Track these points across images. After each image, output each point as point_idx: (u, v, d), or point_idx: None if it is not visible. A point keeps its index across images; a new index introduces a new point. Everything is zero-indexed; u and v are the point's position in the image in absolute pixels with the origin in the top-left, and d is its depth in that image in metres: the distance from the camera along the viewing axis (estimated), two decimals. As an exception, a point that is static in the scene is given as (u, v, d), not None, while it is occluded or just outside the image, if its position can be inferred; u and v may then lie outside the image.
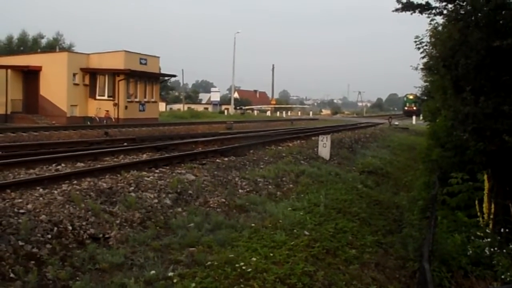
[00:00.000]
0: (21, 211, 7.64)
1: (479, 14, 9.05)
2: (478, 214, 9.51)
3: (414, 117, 61.61)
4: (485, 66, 9.13)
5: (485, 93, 8.97)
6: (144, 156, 15.16)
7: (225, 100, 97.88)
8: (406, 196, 13.85)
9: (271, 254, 7.40)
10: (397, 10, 10.66)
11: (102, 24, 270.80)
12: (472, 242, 8.64)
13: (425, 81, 29.29)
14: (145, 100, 42.30)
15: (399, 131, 39.55)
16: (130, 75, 39.61)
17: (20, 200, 8.24)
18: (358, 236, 9.28)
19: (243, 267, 6.74)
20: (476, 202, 9.64)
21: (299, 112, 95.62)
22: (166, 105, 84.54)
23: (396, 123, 48.44)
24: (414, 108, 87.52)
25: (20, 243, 6.67)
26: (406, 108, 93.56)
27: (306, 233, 8.66)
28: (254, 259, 7.11)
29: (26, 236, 6.83)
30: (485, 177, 9.70)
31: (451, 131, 11.76)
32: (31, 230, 7.03)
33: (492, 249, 8.26)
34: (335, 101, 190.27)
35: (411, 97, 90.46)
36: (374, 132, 32.94)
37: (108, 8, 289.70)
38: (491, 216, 9.34)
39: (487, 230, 9.08)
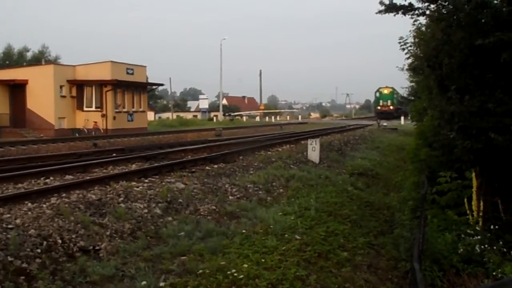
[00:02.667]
0: (10, 226, 7.58)
1: (461, 14, 9.13)
2: (468, 212, 9.57)
3: (402, 118, 57.84)
4: (468, 65, 9.21)
5: (470, 92, 9.03)
6: (133, 166, 15.11)
7: (213, 107, 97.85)
8: (397, 197, 13.88)
9: (263, 260, 7.39)
10: (380, 12, 10.73)
11: (88, 36, 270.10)
12: (462, 240, 8.69)
13: (411, 82, 29.58)
14: (133, 110, 42.20)
15: (388, 132, 39.70)
16: (117, 86, 39.50)
17: (8, 215, 8.17)
18: (350, 238, 9.29)
19: (235, 274, 6.72)
20: (465, 200, 9.69)
21: (288, 117, 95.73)
22: (155, 114, 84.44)
23: (385, 124, 48.65)
24: (391, 107, 72.04)
25: (9, 258, 6.61)
26: (379, 107, 73.45)
27: (298, 237, 8.66)
28: (245, 265, 7.09)
29: (15, 251, 6.78)
30: (473, 175, 9.77)
31: (438, 130, 11.84)
32: (20, 245, 6.97)
33: (482, 247, 8.31)
34: (323, 104, 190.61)
35: (386, 91, 72.63)
36: (363, 134, 33.06)
37: (93, 19, 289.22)
38: (481, 214, 9.40)
39: (477, 228, 9.14)
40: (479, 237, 8.67)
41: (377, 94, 74.81)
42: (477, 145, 9.04)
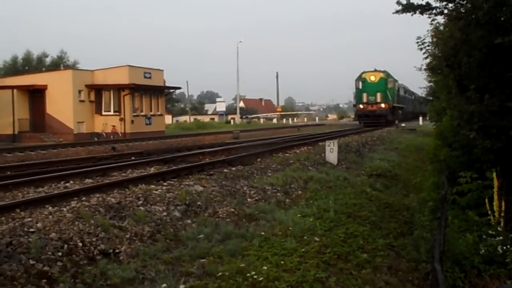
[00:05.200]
0: (31, 230, 7.66)
1: (480, 12, 9.04)
2: (489, 212, 9.43)
3: (420, 118, 54.89)
4: (488, 64, 9.12)
5: (490, 91, 8.95)
6: (152, 170, 15.18)
7: (231, 110, 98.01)
8: (416, 198, 13.76)
9: (282, 262, 7.37)
10: (397, 12, 10.69)
11: (106, 41, 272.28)
12: (484, 241, 8.57)
13: (429, 81, 29.36)
14: (151, 113, 42.44)
15: (406, 132, 39.42)
16: (135, 89, 39.77)
17: (29, 219, 8.26)
18: (369, 240, 9.23)
19: (255, 276, 6.71)
20: (486, 200, 9.57)
21: (305, 118, 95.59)
22: (173, 117, 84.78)
23: (403, 124, 48.31)
24: (383, 105, 45.67)
25: (31, 262, 6.68)
26: (361, 105, 46.84)
27: (317, 239, 8.63)
28: (265, 267, 7.08)
29: (36, 255, 6.84)
30: (494, 175, 9.64)
31: (458, 130, 11.72)
32: (42, 249, 7.04)
33: (504, 247, 8.19)
34: (341, 105, 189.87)
35: (373, 78, 46.80)
36: (381, 135, 32.86)
37: (111, 25, 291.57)
38: (502, 214, 9.27)
39: (499, 228, 9.00)
40: (501, 237, 8.55)
41: (359, 84, 47.29)
42: (498, 144, 8.94)
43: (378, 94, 45.56)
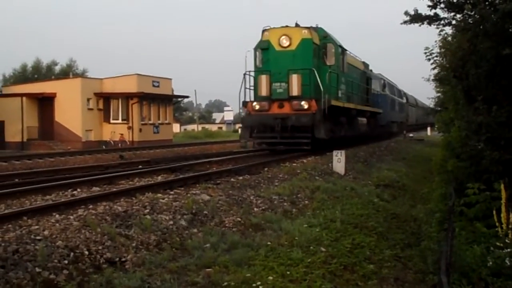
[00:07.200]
0: (38, 237, 7.68)
1: (488, 23, 9.04)
2: (497, 224, 9.38)
3: (429, 128, 53.85)
4: (496, 75, 9.12)
5: (498, 102, 8.94)
6: (159, 178, 15.19)
7: (239, 119, 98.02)
8: (423, 209, 13.71)
9: (288, 272, 7.35)
10: (405, 22, 10.72)
11: (114, 49, 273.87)
12: (492, 253, 8.51)
13: (437, 92, 29.32)
14: (159, 122, 42.64)
15: (414, 142, 39.33)
16: (143, 98, 40.00)
17: (36, 227, 8.28)
18: (376, 250, 9.19)
19: (260, 287, 6.70)
20: (494, 212, 9.51)
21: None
22: (180, 126, 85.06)
23: (411, 135, 48.19)
24: (307, 105, 20.21)
25: (37, 269, 6.70)
26: (256, 105, 21.08)
27: (323, 249, 8.60)
28: (271, 277, 7.07)
29: (43, 263, 6.86)
30: (502, 186, 9.60)
31: (466, 141, 11.68)
32: (48, 256, 7.05)
33: (512, 259, 8.14)
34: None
35: (286, 41, 20.78)
36: (389, 145, 32.78)
37: (120, 34, 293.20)
38: (510, 226, 9.21)
39: (507, 240, 8.94)
40: (509, 249, 8.48)
41: (257, 56, 22.02)
42: (506, 156, 8.91)
43: (294, 78, 20.52)
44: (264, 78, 21.09)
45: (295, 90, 20.64)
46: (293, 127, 20.44)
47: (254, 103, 21.47)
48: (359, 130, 27.67)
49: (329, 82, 21.50)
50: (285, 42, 21.00)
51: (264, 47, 21.56)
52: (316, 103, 20.57)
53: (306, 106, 20.50)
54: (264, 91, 21.11)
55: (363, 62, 30.96)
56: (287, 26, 21.46)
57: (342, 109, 23.36)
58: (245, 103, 21.95)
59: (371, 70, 34.06)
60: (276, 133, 20.78)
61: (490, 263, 8.17)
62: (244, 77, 22.04)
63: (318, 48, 22.05)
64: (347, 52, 25.55)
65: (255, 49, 22.32)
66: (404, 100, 48.49)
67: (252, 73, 22.47)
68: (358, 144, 27.25)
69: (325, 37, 22.66)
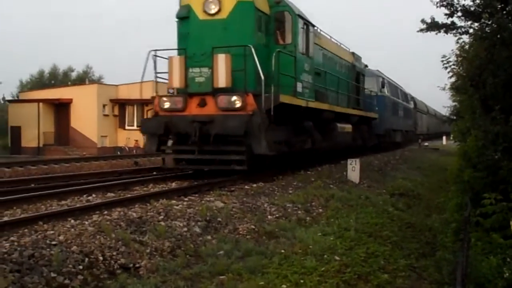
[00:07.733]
0: (53, 242, 7.72)
1: (505, 32, 8.99)
2: (514, 235, 9.30)
3: (444, 137, 51.62)
4: (513, 84, 9.04)
5: (515, 112, 8.86)
6: (173, 185, 15.22)
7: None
8: (439, 218, 13.60)
9: (302, 281, 7.32)
10: (421, 30, 10.69)
11: (130, 56, 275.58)
12: (508, 264, 8.43)
13: (453, 101, 29.11)
14: (174, 128, 42.72)
15: (430, 151, 39.09)
16: (158, 105, 40.11)
17: (52, 232, 8.33)
18: (390, 260, 9.12)
19: (274, 295, 6.67)
20: (511, 222, 9.42)
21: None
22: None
23: (426, 144, 47.89)
24: (240, 102, 13.53)
25: (52, 274, 6.73)
26: (165, 102, 15.17)
27: (337, 258, 8.55)
28: (284, 286, 7.04)
29: (58, 268, 6.89)
30: (519, 197, 9.51)
31: (482, 151, 11.59)
32: (63, 262, 7.09)
33: (529, 271, 8.05)
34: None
35: (214, 6, 14.00)
36: (403, 154, 32.60)
37: (135, 40, 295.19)
38: (527, 237, 9.13)
39: (523, 252, 8.86)
40: (525, 261, 8.41)
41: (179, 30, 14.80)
42: (523, 166, 8.83)
43: (221, 61, 13.75)
44: (176, 62, 14.51)
45: (221, 80, 13.81)
46: (218, 136, 13.80)
47: (163, 99, 15.33)
48: (338, 140, 21.18)
49: (278, 69, 14.55)
50: (212, 7, 14.19)
51: (182, 16, 14.98)
52: (255, 99, 13.85)
53: (238, 104, 13.79)
54: (176, 81, 14.80)
55: (353, 53, 24.73)
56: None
57: (307, 110, 16.97)
58: (154, 98, 15.62)
59: (366, 66, 28.03)
60: (193, 145, 14.38)
61: (507, 274, 8.09)
62: (148, 58, 15.44)
63: (266, 18, 15.30)
64: (321, 32, 19.05)
65: (178, 22, 15.48)
66: (412, 105, 41.75)
67: (160, 53, 15.83)
68: (338, 158, 21.40)
69: (278, 3, 15.48)
